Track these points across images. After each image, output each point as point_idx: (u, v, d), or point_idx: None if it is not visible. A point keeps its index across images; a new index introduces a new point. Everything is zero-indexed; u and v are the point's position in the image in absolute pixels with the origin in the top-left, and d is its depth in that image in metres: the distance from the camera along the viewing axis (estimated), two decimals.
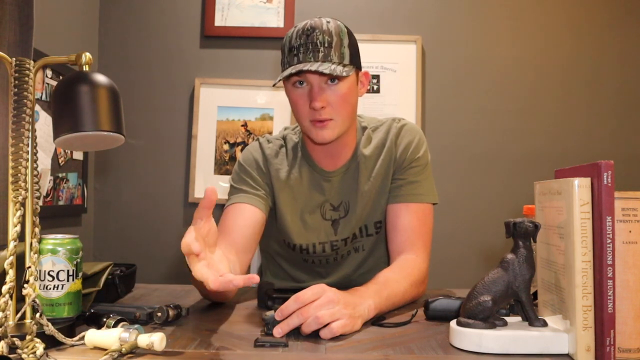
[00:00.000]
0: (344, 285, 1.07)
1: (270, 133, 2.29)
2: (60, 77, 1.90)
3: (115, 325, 0.83)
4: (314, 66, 1.08)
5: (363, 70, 1.24)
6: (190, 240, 0.73)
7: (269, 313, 0.87)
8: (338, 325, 0.85)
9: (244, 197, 1.22)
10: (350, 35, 1.17)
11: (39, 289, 0.86)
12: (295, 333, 0.86)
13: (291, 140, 1.31)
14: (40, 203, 0.84)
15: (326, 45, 1.11)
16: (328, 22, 1.14)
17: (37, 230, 0.82)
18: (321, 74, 1.11)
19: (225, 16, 2.31)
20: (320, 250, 1.29)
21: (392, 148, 1.27)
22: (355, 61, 1.17)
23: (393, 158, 1.26)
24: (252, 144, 1.33)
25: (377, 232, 1.30)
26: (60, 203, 1.96)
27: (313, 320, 0.84)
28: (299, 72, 1.10)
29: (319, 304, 0.86)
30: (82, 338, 0.79)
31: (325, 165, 1.27)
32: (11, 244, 0.77)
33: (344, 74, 1.10)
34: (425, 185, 1.26)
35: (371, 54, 2.30)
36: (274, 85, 1.19)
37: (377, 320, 0.96)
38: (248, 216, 1.20)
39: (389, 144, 1.27)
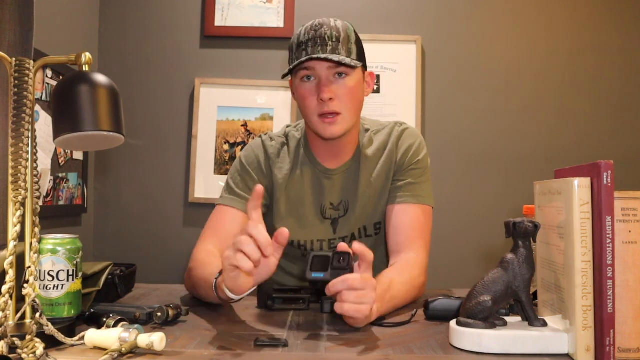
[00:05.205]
0: None
1: None
2: (60, 77, 1.90)
3: (115, 325, 0.83)
4: (323, 55, 1.11)
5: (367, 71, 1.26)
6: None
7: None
8: (352, 308, 0.84)
9: (240, 204, 1.24)
10: (356, 34, 1.20)
11: (39, 289, 0.86)
12: (295, 333, 0.86)
13: (293, 137, 1.32)
14: (40, 203, 0.84)
15: (334, 40, 1.14)
16: (336, 20, 1.18)
17: (37, 230, 0.82)
18: (330, 61, 1.13)
19: (225, 16, 2.31)
20: (319, 247, 1.30)
21: (394, 150, 1.27)
22: (361, 59, 1.20)
23: (394, 160, 1.27)
24: (255, 141, 1.33)
25: (376, 233, 1.30)
26: (60, 203, 1.96)
27: (350, 293, 0.84)
28: (309, 60, 1.12)
29: (368, 284, 0.87)
30: (82, 338, 0.79)
31: (328, 163, 1.28)
32: (11, 244, 0.77)
33: (352, 63, 1.13)
34: (425, 187, 1.27)
35: (371, 54, 2.27)
36: (283, 77, 1.21)
37: (377, 320, 0.96)
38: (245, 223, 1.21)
39: (391, 146, 1.28)
